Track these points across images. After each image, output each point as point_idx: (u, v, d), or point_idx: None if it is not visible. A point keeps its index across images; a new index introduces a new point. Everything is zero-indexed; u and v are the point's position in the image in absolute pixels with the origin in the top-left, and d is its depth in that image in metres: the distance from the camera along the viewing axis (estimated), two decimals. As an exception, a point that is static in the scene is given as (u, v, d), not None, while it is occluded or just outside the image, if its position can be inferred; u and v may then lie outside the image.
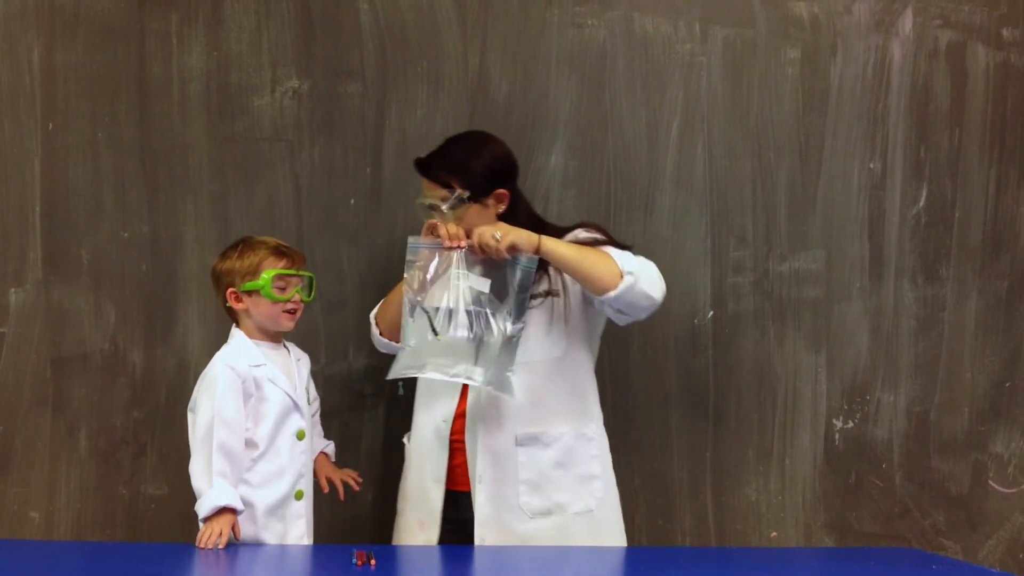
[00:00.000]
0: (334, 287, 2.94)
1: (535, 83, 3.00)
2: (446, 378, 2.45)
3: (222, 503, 2.30)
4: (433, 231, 2.48)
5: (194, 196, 2.95)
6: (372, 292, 2.94)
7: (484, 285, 2.45)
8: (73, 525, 2.92)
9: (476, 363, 2.44)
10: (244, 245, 2.53)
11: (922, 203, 3.06)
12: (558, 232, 2.59)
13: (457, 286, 2.44)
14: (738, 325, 3.02)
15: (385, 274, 2.92)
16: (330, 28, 2.97)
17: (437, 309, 2.45)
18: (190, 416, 2.43)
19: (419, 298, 2.46)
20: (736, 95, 3.03)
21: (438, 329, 2.44)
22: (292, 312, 2.51)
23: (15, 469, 2.91)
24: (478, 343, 2.44)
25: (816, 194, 3.04)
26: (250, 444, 2.41)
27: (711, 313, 3.02)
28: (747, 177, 3.03)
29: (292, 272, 2.50)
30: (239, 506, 2.32)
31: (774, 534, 3.01)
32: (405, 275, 2.48)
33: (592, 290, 2.47)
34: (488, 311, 2.44)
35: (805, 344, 3.03)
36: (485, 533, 2.50)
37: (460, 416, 2.55)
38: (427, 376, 2.48)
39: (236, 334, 2.53)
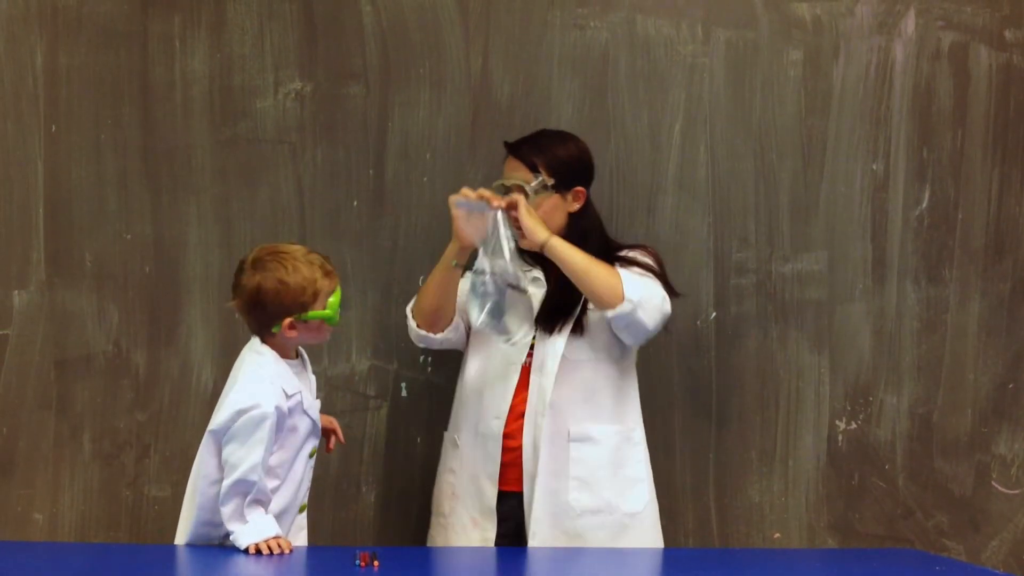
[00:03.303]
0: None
1: (537, 85, 3.00)
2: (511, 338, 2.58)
3: (271, 534, 2.24)
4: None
5: (197, 198, 2.95)
6: (375, 294, 2.94)
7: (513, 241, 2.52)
8: (76, 527, 2.92)
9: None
10: (291, 266, 2.31)
11: (925, 205, 3.06)
12: (618, 248, 2.67)
13: (508, 247, 2.48)
14: (741, 326, 3.02)
15: (388, 275, 2.93)
16: (332, 30, 2.98)
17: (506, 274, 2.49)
18: (212, 438, 2.29)
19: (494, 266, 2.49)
20: (738, 97, 3.03)
21: (522, 286, 2.53)
22: None
23: (19, 471, 2.91)
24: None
25: (819, 195, 3.04)
26: (271, 474, 2.32)
27: (714, 314, 3.02)
28: (749, 179, 3.03)
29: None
30: (280, 531, 2.28)
31: (777, 535, 3.01)
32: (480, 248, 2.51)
33: (592, 302, 2.54)
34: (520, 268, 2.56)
35: (808, 345, 3.03)
36: (537, 529, 2.52)
37: (512, 411, 2.57)
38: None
39: (269, 355, 2.35)
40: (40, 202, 2.92)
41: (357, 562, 2.16)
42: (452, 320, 2.68)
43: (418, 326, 2.68)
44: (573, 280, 2.52)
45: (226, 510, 2.26)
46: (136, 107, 2.95)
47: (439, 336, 2.68)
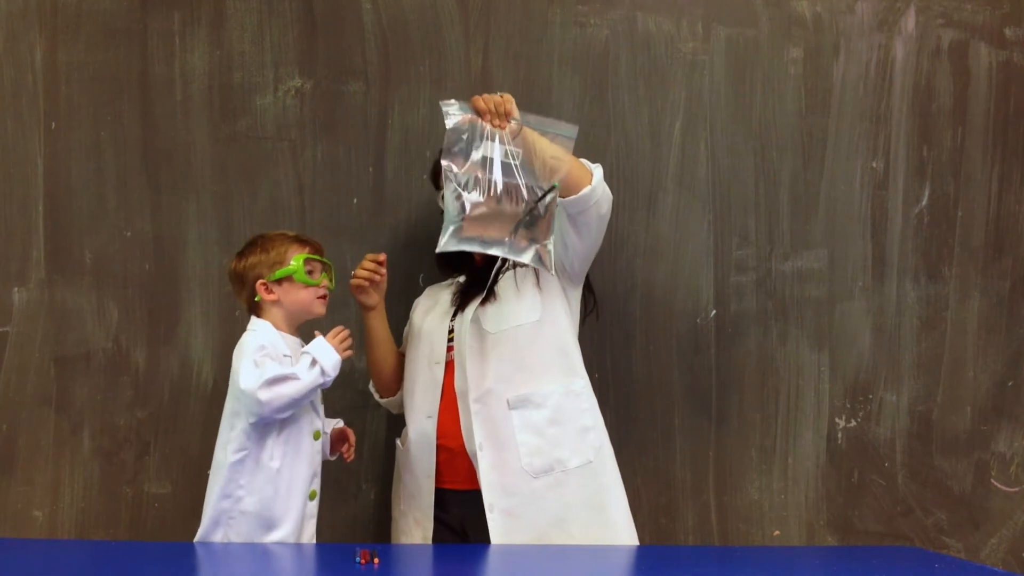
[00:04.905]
0: (337, 286, 2.93)
1: (537, 82, 3.00)
2: (486, 250, 2.43)
3: (329, 348, 2.41)
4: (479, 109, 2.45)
5: (197, 195, 2.95)
6: (375, 291, 2.94)
7: (517, 157, 2.44)
8: (76, 524, 2.92)
9: (515, 235, 2.44)
10: (262, 240, 2.52)
11: (925, 202, 3.06)
12: None
13: (496, 159, 2.42)
14: (741, 324, 3.02)
15: (388, 273, 2.92)
16: (333, 27, 2.97)
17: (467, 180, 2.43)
18: (230, 403, 2.42)
19: (459, 171, 2.42)
20: (739, 94, 3.03)
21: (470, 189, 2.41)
22: (323, 297, 2.52)
23: (19, 468, 2.92)
24: (520, 214, 2.45)
25: (819, 193, 3.04)
26: (271, 455, 2.38)
27: (714, 312, 3.02)
28: (750, 176, 3.03)
29: (318, 258, 2.52)
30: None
31: (777, 533, 3.01)
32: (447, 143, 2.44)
33: (569, 187, 2.47)
34: (521, 183, 2.42)
35: (808, 343, 3.03)
36: (493, 499, 2.52)
37: (443, 412, 2.59)
38: (471, 249, 2.45)
39: (260, 323, 2.48)
40: (40, 199, 2.92)
41: (357, 560, 2.16)
42: (401, 379, 2.77)
43: (381, 396, 2.80)
44: (541, 167, 2.44)
45: (304, 384, 2.37)
46: (136, 104, 2.95)
47: (398, 397, 2.77)
